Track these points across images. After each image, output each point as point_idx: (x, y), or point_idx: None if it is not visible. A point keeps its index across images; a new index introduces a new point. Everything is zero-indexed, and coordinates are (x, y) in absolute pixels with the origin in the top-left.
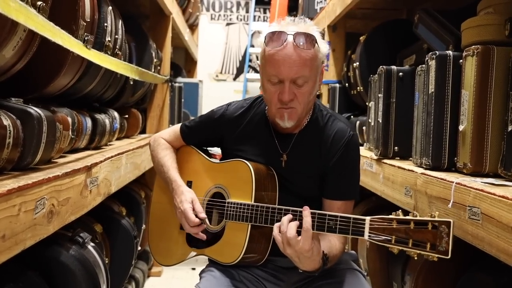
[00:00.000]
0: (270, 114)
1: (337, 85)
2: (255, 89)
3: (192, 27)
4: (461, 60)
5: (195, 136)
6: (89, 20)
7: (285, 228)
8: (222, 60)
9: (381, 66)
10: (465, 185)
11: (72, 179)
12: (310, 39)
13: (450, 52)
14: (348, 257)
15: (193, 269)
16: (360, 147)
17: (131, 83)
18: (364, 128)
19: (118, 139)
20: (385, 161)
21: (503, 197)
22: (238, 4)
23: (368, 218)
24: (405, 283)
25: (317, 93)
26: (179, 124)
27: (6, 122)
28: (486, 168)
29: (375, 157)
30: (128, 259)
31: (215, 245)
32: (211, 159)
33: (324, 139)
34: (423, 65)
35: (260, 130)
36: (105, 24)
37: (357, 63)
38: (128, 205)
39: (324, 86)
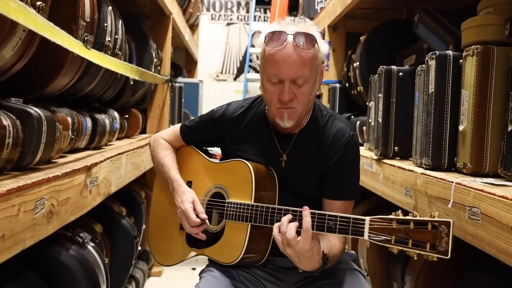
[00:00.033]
0: (270, 114)
1: (338, 85)
2: (255, 89)
3: (193, 27)
4: (461, 60)
5: (195, 136)
6: (89, 20)
7: (284, 228)
8: (222, 60)
9: (381, 66)
10: (465, 185)
11: (72, 179)
12: (310, 39)
13: (450, 52)
14: (348, 257)
15: (194, 269)
16: (360, 147)
17: (131, 83)
18: (364, 128)
19: (118, 139)
20: (385, 161)
21: (503, 197)
22: (239, 4)
23: (367, 218)
24: (405, 283)
25: (317, 93)
26: (179, 124)
27: (6, 122)
28: (486, 168)
29: (375, 157)
30: (128, 259)
31: (215, 245)
32: (211, 159)
33: (324, 139)
34: (423, 65)
35: (260, 130)
36: (105, 24)
37: (357, 63)
38: (128, 205)
39: (325, 86)
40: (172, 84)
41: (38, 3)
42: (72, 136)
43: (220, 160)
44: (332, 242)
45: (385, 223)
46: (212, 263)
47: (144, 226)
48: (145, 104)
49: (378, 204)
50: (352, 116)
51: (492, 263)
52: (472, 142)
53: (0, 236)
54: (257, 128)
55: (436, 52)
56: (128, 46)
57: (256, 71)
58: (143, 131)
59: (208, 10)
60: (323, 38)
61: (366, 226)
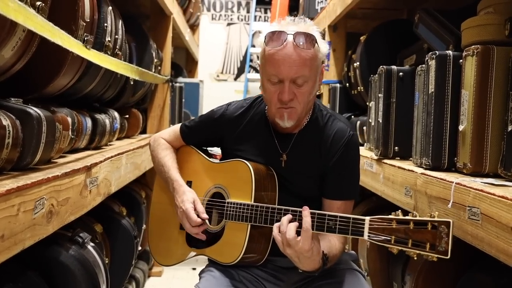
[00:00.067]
0: (270, 114)
1: (338, 85)
2: (256, 89)
3: (193, 27)
4: (461, 60)
5: (195, 136)
6: (88, 20)
7: (284, 228)
8: (223, 60)
9: (381, 66)
10: (464, 185)
11: (72, 179)
12: (310, 39)
13: (450, 52)
14: (348, 257)
15: (194, 269)
16: (361, 147)
17: (132, 83)
18: (364, 128)
19: (118, 139)
20: (385, 161)
21: (502, 197)
22: (239, 4)
23: (367, 218)
24: (405, 283)
25: (317, 93)
26: (179, 124)
27: (6, 122)
28: (486, 168)
29: (375, 157)
30: (128, 259)
31: (215, 245)
32: (210, 159)
33: (324, 139)
34: (423, 65)
35: (260, 130)
36: (105, 24)
37: (358, 63)
38: (128, 205)
39: (325, 86)
40: (172, 84)
41: (38, 3)
42: (72, 136)
43: (220, 160)
44: (332, 242)
45: (385, 223)
46: (212, 263)
47: (144, 226)
48: (146, 104)
49: (378, 204)
50: (353, 116)
51: (492, 263)
52: (472, 142)
53: (0, 236)
54: (257, 128)
55: (436, 52)
56: (128, 46)
57: (257, 71)
58: (144, 131)
59: (208, 10)
60: (323, 38)
61: (366, 226)
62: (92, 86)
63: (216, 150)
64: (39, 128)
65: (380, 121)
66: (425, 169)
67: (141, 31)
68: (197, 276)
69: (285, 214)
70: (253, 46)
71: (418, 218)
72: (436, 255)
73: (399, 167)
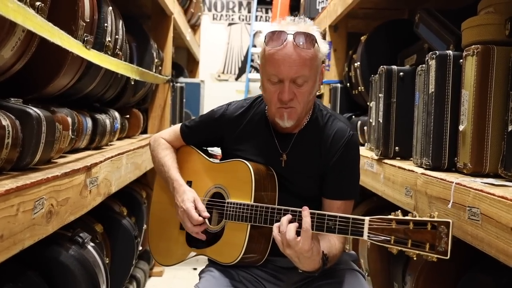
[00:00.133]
0: (270, 114)
1: (339, 85)
2: (257, 89)
3: (194, 27)
4: (461, 60)
5: (195, 136)
6: (88, 20)
7: (284, 228)
8: (224, 60)
9: (381, 66)
10: (464, 186)
11: (72, 179)
12: (310, 38)
13: (450, 52)
14: (348, 258)
15: (195, 269)
16: (361, 147)
17: (132, 83)
18: (365, 128)
19: (119, 139)
20: (385, 161)
21: (502, 197)
22: (240, 4)
23: (367, 219)
24: (406, 284)
25: (317, 93)
26: (179, 124)
27: (5, 122)
28: (486, 168)
29: (376, 157)
30: (128, 259)
31: (215, 245)
32: (210, 159)
33: (324, 139)
34: (424, 65)
35: (260, 130)
36: (105, 24)
37: (358, 63)
38: (129, 205)
39: (326, 86)
40: (173, 84)
41: (37, 3)
42: (72, 136)
43: (220, 160)
44: (332, 242)
45: (385, 223)
46: (212, 263)
47: (145, 226)
48: (146, 104)
49: (379, 204)
50: (353, 116)
51: (493, 264)
52: (472, 142)
53: None
54: (257, 128)
55: (436, 52)
56: (129, 46)
57: (258, 71)
58: (144, 131)
59: (209, 10)
60: (324, 38)
61: (366, 226)
62: (93, 86)
63: (216, 150)
64: (38, 128)
65: (381, 121)
66: (426, 169)
67: (141, 31)
68: (198, 276)
69: (284, 214)
70: (254, 46)
71: (417, 218)
72: (435, 255)
73: (399, 167)
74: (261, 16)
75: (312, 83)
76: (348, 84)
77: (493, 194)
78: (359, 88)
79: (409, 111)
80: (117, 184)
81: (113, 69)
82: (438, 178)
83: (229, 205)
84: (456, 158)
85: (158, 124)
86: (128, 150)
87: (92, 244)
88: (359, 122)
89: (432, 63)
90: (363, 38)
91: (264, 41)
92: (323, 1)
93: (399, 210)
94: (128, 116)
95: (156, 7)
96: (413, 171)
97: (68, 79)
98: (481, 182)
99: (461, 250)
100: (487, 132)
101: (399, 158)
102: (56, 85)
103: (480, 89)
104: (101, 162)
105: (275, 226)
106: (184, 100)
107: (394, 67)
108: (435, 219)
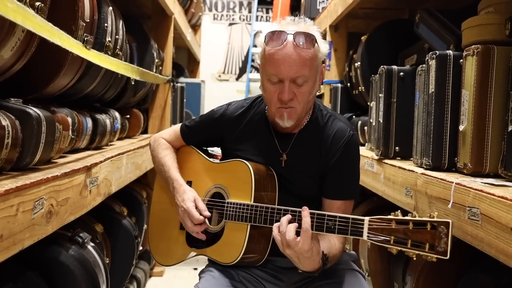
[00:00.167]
0: (269, 114)
1: (339, 85)
2: (257, 89)
3: (195, 27)
4: (461, 60)
5: (195, 136)
6: (88, 20)
7: (284, 228)
8: (224, 60)
9: (382, 66)
10: (464, 186)
11: (72, 179)
12: (310, 38)
13: (450, 52)
14: (348, 258)
15: (195, 269)
16: (362, 147)
17: (133, 83)
18: (365, 128)
19: (119, 139)
20: (386, 161)
21: (502, 197)
22: (241, 4)
23: (367, 219)
24: (406, 284)
25: (318, 93)
26: (179, 124)
27: (5, 122)
28: (487, 168)
29: (376, 157)
30: (129, 259)
31: (215, 245)
32: (210, 159)
33: (324, 139)
34: (424, 65)
35: (260, 130)
36: (105, 24)
37: (359, 63)
38: (129, 205)
39: (326, 86)
40: (173, 84)
41: (37, 3)
42: (73, 136)
43: (220, 160)
44: (331, 242)
45: (384, 224)
46: (212, 263)
47: (145, 226)
48: (147, 104)
49: (379, 204)
50: (354, 116)
51: (493, 264)
52: (472, 142)
53: None
54: (257, 128)
55: (436, 52)
56: (129, 46)
57: (258, 71)
58: (145, 131)
59: (210, 10)
60: (324, 38)
61: (365, 227)
62: (93, 86)
63: (216, 150)
64: (38, 128)
65: (381, 121)
66: (426, 169)
67: (142, 31)
68: (198, 276)
69: (284, 214)
70: (255, 46)
71: (417, 218)
72: (435, 256)
73: (399, 167)
74: (261, 16)
75: (312, 83)
76: (348, 84)
77: (493, 194)
78: (360, 88)
79: (409, 111)
80: (117, 184)
81: (113, 69)
82: (438, 178)
83: (229, 205)
84: (456, 158)
85: (159, 124)
86: (128, 150)
87: (92, 244)
88: (359, 122)
89: (432, 63)
90: (363, 38)
91: (264, 41)
92: (323, 1)
93: (399, 210)
94: (128, 116)
95: (156, 7)
96: (413, 171)
97: (68, 79)
98: (481, 182)
99: (461, 250)
100: (487, 132)
101: (399, 158)
102: (56, 85)
103: (480, 89)
104: (101, 162)
105: (275, 226)
106: (185, 100)
107: (394, 67)
108: (435, 219)
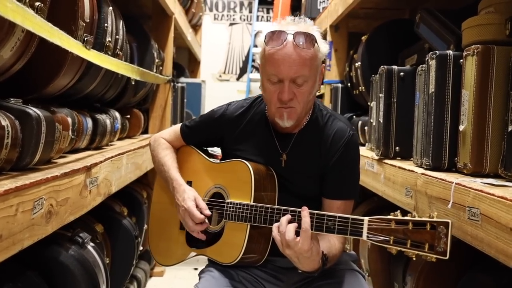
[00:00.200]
0: (269, 114)
1: (340, 85)
2: (258, 89)
3: (195, 27)
4: (461, 60)
5: (195, 136)
6: (88, 20)
7: (283, 228)
8: (225, 60)
9: (382, 66)
10: (464, 186)
11: (71, 179)
12: (310, 38)
13: (450, 52)
14: (348, 258)
15: (196, 269)
16: (362, 147)
17: (133, 83)
18: (366, 128)
19: (120, 139)
20: (386, 161)
21: (502, 197)
22: (241, 4)
23: (366, 219)
24: (406, 284)
25: (318, 93)
26: (180, 124)
27: (5, 122)
28: (487, 168)
29: (376, 157)
30: (129, 259)
31: (215, 245)
32: (210, 159)
33: (324, 139)
34: (424, 65)
35: (260, 130)
36: (106, 24)
37: (359, 63)
38: (129, 205)
39: (327, 86)
40: (174, 84)
41: (37, 3)
42: (73, 137)
43: (220, 160)
44: (331, 242)
45: (384, 224)
46: (212, 263)
47: (146, 226)
48: (147, 104)
49: (380, 204)
50: (354, 116)
51: (493, 264)
52: (472, 142)
53: None
54: (257, 127)
55: (437, 52)
56: (129, 46)
57: (259, 71)
58: (145, 131)
59: (211, 10)
60: (324, 38)
61: (365, 227)
62: (93, 86)
63: (216, 150)
64: (38, 128)
65: (381, 121)
66: (426, 169)
67: (142, 31)
68: (198, 276)
69: (284, 214)
70: (256, 46)
71: (417, 218)
72: (434, 256)
73: (399, 167)
74: (262, 16)
75: (312, 83)
76: (349, 84)
77: (493, 194)
78: (360, 88)
79: (409, 111)
80: (118, 184)
81: (114, 69)
82: (438, 178)
83: (229, 205)
84: (456, 158)
85: (159, 124)
86: (128, 150)
87: (92, 244)
88: (360, 122)
89: (432, 63)
90: (364, 38)
91: (264, 41)
92: (324, 1)
93: (399, 210)
94: (128, 116)
95: (156, 7)
96: (413, 171)
97: (68, 79)
98: (481, 182)
99: (461, 250)
100: (487, 132)
101: (399, 158)
102: (56, 85)
103: (480, 89)
104: (101, 162)
105: (275, 226)
106: (185, 100)
107: (395, 67)
108: (434, 219)
